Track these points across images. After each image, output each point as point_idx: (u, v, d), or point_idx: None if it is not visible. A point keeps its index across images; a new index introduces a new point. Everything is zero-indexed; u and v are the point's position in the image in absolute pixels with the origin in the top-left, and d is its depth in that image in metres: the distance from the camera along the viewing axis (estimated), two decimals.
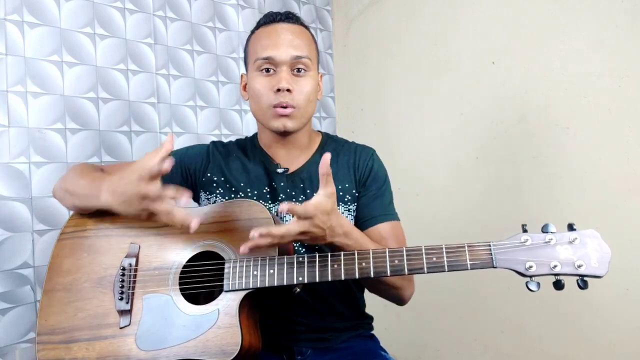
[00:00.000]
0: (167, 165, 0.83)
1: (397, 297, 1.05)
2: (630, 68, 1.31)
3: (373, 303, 1.19)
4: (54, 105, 1.31)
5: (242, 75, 1.15)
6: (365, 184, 1.10)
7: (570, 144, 1.43)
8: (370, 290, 1.08)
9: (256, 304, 0.94)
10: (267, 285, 0.87)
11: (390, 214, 1.10)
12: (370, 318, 1.19)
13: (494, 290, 1.62)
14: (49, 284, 1.00)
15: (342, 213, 1.08)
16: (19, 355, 1.22)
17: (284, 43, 1.03)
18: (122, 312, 0.93)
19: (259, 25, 1.09)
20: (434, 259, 0.82)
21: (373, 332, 1.18)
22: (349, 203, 1.09)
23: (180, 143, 1.59)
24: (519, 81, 1.53)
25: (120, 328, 0.93)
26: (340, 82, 2.10)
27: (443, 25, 1.74)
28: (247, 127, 1.78)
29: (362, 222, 1.08)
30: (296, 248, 1.06)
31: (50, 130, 1.30)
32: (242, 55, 1.74)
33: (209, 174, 1.10)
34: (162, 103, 1.55)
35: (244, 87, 1.13)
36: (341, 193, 1.08)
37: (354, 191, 1.10)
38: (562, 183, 1.45)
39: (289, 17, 1.08)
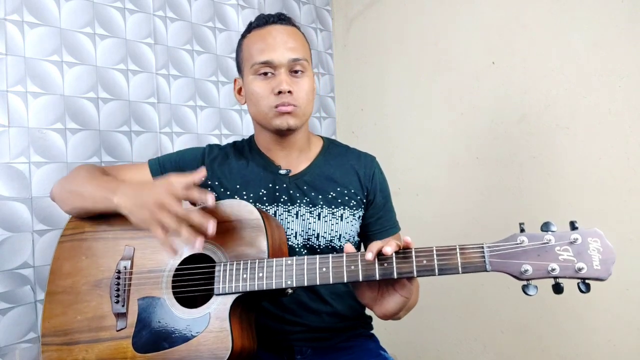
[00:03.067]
0: (195, 193, 0.85)
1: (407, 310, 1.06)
2: (630, 68, 1.31)
3: None
4: (54, 105, 1.31)
5: (235, 80, 1.13)
6: (371, 192, 1.12)
7: (570, 144, 1.43)
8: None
9: (250, 305, 0.93)
10: (256, 289, 0.86)
11: (397, 226, 1.16)
12: (370, 318, 1.19)
13: (494, 290, 1.62)
14: (51, 287, 1.00)
15: (347, 217, 1.08)
16: (19, 355, 1.22)
17: (280, 46, 1.02)
18: (118, 315, 0.93)
19: (251, 28, 1.07)
20: (424, 262, 0.78)
21: (373, 331, 1.18)
22: (354, 208, 1.09)
23: (180, 143, 1.59)
24: (519, 81, 1.53)
25: (117, 331, 0.93)
26: (340, 82, 2.10)
27: (443, 26, 1.74)
28: (247, 127, 1.78)
29: (374, 234, 1.12)
30: (297, 250, 1.06)
31: (50, 130, 1.30)
32: None
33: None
34: (162, 103, 1.55)
35: (239, 91, 1.12)
36: (347, 197, 1.08)
37: (359, 197, 1.10)
38: (562, 183, 1.45)
39: (282, 19, 1.06)
